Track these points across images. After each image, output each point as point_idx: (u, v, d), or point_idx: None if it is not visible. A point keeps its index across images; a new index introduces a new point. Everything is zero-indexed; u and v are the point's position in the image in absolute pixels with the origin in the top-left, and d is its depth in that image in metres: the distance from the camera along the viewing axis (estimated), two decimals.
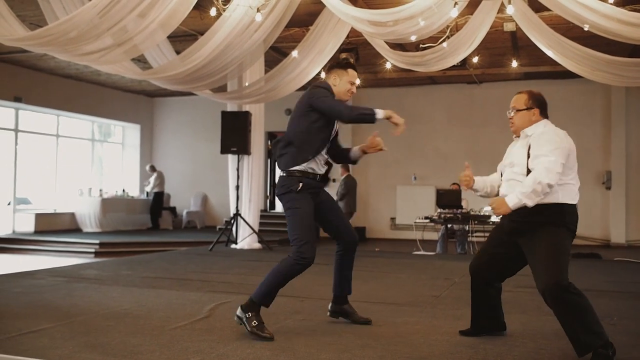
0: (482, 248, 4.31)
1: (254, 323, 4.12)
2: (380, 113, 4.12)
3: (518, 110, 4.11)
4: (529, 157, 3.90)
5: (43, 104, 14.73)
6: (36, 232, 14.22)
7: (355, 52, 11.24)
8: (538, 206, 3.75)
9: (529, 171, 3.85)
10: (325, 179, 4.57)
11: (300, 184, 4.26)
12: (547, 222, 3.79)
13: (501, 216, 4.05)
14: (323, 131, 4.32)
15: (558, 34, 8.47)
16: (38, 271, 7.53)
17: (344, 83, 4.41)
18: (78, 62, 8.56)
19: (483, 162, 15.38)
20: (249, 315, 4.16)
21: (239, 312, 4.24)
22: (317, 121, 4.29)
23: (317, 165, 4.36)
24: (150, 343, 3.98)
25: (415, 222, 11.46)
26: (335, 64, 4.53)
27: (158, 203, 16.54)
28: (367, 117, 4.16)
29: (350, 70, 4.45)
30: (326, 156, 4.47)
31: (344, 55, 11.10)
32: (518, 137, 4.18)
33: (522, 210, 3.77)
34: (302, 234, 4.17)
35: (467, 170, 4.38)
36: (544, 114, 4.11)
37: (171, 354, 3.74)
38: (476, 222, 10.86)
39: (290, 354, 3.76)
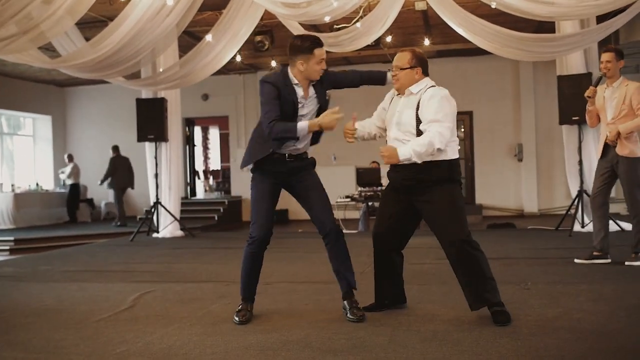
0: (380, 214, 4.32)
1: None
2: (303, 129, 4.02)
3: (402, 69, 4.14)
4: (417, 117, 4.00)
5: None
6: None
7: (270, 35, 11.22)
8: (429, 163, 3.93)
9: (418, 132, 3.97)
10: (300, 157, 4.24)
11: (252, 165, 4.21)
12: (441, 179, 3.98)
13: (392, 178, 4.20)
14: (290, 116, 4.11)
15: (467, 12, 8.68)
16: None
17: (312, 65, 4.08)
18: None
19: None
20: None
21: None
22: None
23: (284, 146, 4.16)
24: (73, 337, 3.91)
25: (336, 202, 11.58)
26: (297, 49, 4.08)
27: (74, 195, 16.05)
28: (287, 140, 4.11)
29: (317, 50, 4.07)
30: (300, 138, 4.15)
31: (258, 38, 11.07)
32: (400, 94, 4.24)
33: (415, 168, 3.93)
34: (252, 214, 4.21)
35: (354, 122, 4.28)
36: (426, 73, 4.19)
37: (96, 346, 3.69)
38: None
39: (218, 337, 3.77)
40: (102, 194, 17.27)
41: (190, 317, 4.36)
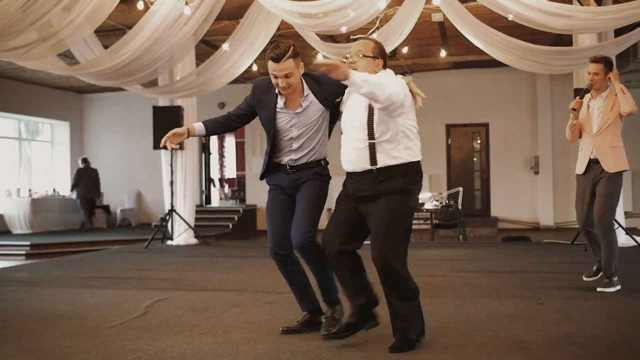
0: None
1: None
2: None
3: (365, 56, 3.73)
4: (369, 110, 3.60)
5: None
6: None
7: None
8: (386, 171, 3.57)
9: (370, 130, 3.59)
10: (302, 168, 3.98)
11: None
12: (392, 190, 3.57)
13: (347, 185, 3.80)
14: (266, 125, 3.99)
15: (484, 24, 8.68)
16: None
17: (271, 76, 3.81)
18: (1, 58, 8.29)
19: None
20: None
21: None
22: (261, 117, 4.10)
23: (280, 155, 4.01)
24: (85, 343, 3.92)
25: None
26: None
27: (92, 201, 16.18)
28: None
29: (270, 63, 3.74)
30: (295, 145, 3.95)
31: None
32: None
33: (372, 180, 3.60)
34: (268, 230, 4.09)
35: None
36: (385, 65, 3.86)
37: (107, 353, 3.70)
38: None
39: (229, 347, 3.77)
40: (118, 200, 17.39)
41: (202, 326, 4.36)
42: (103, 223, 16.60)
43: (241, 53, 9.47)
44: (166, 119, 10.67)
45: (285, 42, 3.78)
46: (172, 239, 10.75)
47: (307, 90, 3.92)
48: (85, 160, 15.41)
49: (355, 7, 7.96)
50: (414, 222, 10.73)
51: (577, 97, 5.68)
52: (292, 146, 3.97)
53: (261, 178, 4.16)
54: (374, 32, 9.36)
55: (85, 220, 15.20)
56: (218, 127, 4.13)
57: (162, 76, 10.59)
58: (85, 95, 17.97)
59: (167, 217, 10.81)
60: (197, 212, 11.84)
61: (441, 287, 5.82)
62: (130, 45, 8.42)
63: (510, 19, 7.94)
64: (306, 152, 3.99)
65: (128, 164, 17.44)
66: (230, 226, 15.06)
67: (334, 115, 4.03)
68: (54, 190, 16.17)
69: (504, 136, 15.33)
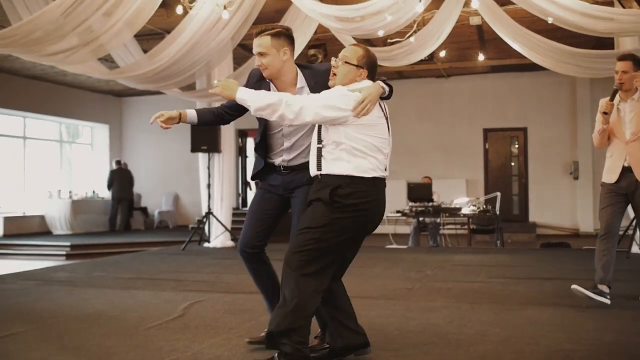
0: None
1: None
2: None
3: (347, 63, 3.45)
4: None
5: (9, 105, 14.52)
6: (5, 236, 14.03)
7: (323, 48, 11.28)
8: (322, 181, 3.37)
9: (319, 134, 3.42)
10: (296, 170, 3.71)
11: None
12: (319, 198, 3.35)
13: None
14: (259, 122, 3.75)
15: (523, 27, 8.59)
16: (8, 275, 7.43)
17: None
18: (43, 62, 8.47)
19: (453, 154, 15.60)
20: None
21: None
22: None
23: (272, 155, 3.79)
24: (124, 344, 3.97)
25: (387, 216, 11.52)
26: None
27: (129, 203, 16.41)
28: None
29: (254, 40, 3.59)
30: (287, 143, 3.71)
31: (312, 52, 11.14)
32: None
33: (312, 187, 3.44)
34: None
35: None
36: (371, 78, 3.51)
37: (146, 353, 3.74)
38: (447, 214, 10.96)
39: (265, 350, 3.77)
40: (155, 203, 17.59)
41: (239, 328, 4.38)
42: (141, 225, 16.82)
43: None
44: None
45: (276, 24, 3.65)
46: (209, 241, 10.83)
47: (301, 82, 3.65)
48: (118, 162, 15.96)
49: (393, 11, 7.94)
50: (455, 227, 10.46)
51: (608, 99, 5.13)
52: (283, 144, 3.71)
53: (252, 178, 3.93)
54: (411, 35, 9.33)
55: (111, 221, 15.72)
56: (210, 116, 3.88)
57: (200, 80, 10.70)
58: (125, 98, 18.23)
59: (204, 220, 10.90)
60: (233, 214, 11.90)
61: (479, 293, 5.76)
62: (169, 50, 8.52)
63: (549, 22, 7.84)
64: (300, 152, 3.70)
65: (166, 167, 17.63)
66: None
67: None
68: (93, 192, 16.44)
69: (543, 141, 15.12)
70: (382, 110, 3.47)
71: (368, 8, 7.90)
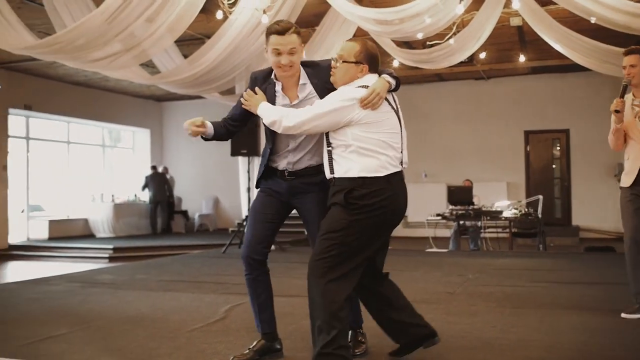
0: None
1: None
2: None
3: (345, 62, 3.39)
4: None
5: (53, 111, 14.82)
6: (50, 239, 14.32)
7: None
8: (336, 185, 3.34)
9: (327, 136, 3.39)
10: (302, 175, 3.64)
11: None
12: (335, 202, 3.33)
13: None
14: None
15: (565, 27, 8.46)
16: (53, 277, 7.58)
17: (270, 55, 3.47)
18: (87, 68, 8.62)
19: (493, 156, 15.43)
20: None
21: None
22: None
23: (277, 159, 3.70)
24: (167, 346, 4.01)
25: (427, 220, 11.46)
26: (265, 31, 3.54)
27: (170, 206, 16.62)
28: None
29: (272, 37, 3.43)
30: (293, 144, 3.63)
31: None
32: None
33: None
34: None
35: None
36: (373, 71, 3.42)
37: (188, 356, 3.77)
38: (488, 218, 10.84)
39: (307, 353, 3.77)
40: (196, 206, 17.77)
41: (280, 332, 4.37)
42: (181, 228, 17.00)
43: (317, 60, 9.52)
44: None
45: (287, 20, 3.60)
46: None
47: (304, 79, 3.57)
48: (153, 167, 16.39)
49: (432, 13, 7.90)
50: (496, 231, 10.34)
51: (618, 98, 4.82)
52: (289, 145, 3.62)
53: (257, 186, 3.83)
54: (450, 37, 9.26)
55: (152, 222, 16.23)
56: (221, 130, 3.79)
57: (240, 84, 10.77)
58: (165, 103, 18.45)
59: (244, 223, 10.97)
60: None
61: (522, 298, 5.68)
62: (209, 54, 8.61)
63: (593, 21, 7.70)
64: (305, 153, 3.62)
65: (206, 170, 17.79)
66: (306, 232, 15.12)
67: None
68: (135, 195, 16.68)
69: (586, 142, 14.85)
70: (391, 104, 3.40)
71: (407, 10, 7.87)
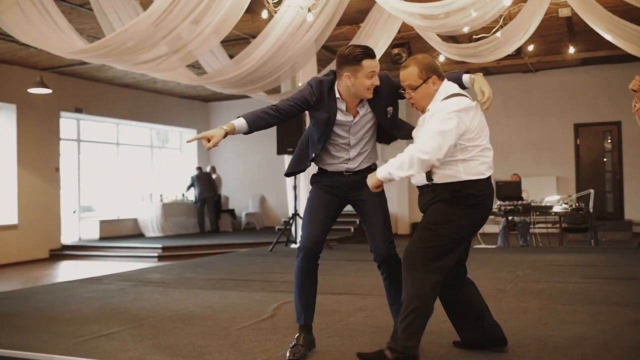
0: None
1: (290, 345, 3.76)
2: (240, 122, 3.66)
3: (415, 89, 3.48)
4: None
5: (102, 113, 15.10)
6: (101, 239, 14.61)
7: (407, 47, 11.18)
8: (441, 187, 3.42)
9: None
10: (360, 172, 3.76)
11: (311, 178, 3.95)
12: (440, 199, 3.43)
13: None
14: (321, 127, 3.72)
15: (616, 17, 8.24)
16: (105, 276, 7.73)
17: (361, 79, 3.54)
18: (135, 71, 8.76)
19: (542, 150, 15.17)
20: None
21: None
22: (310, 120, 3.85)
23: (334, 164, 3.81)
24: (217, 344, 4.05)
25: None
26: (344, 59, 3.58)
27: (217, 205, 16.79)
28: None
29: (366, 62, 3.52)
30: (353, 153, 3.77)
31: (396, 51, 11.06)
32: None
33: (429, 195, 3.49)
34: (302, 226, 3.85)
35: None
36: (442, 77, 3.52)
37: (238, 354, 3.80)
38: (538, 213, 10.66)
39: (355, 350, 3.76)
40: (242, 205, 17.91)
41: (329, 329, 4.39)
42: (229, 227, 17.15)
43: None
44: (289, 125, 10.84)
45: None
46: (295, 242, 10.91)
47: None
48: (199, 169, 16.61)
49: (478, 7, 7.78)
50: (545, 226, 10.19)
51: (637, 76, 4.38)
52: (349, 154, 3.76)
53: (312, 182, 3.91)
54: (497, 30, 9.13)
55: (199, 220, 16.42)
56: (261, 122, 3.71)
57: (285, 83, 10.81)
58: (211, 103, 18.63)
59: (291, 221, 11.00)
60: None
61: (575, 294, 5.56)
62: (254, 54, 8.65)
63: None
64: (364, 158, 3.80)
65: (252, 169, 17.91)
66: (352, 229, 15.10)
67: (385, 128, 3.79)
68: (182, 195, 16.88)
69: (638, 135, 14.47)
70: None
71: (453, 4, 7.77)
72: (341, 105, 3.67)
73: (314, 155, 3.82)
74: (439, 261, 3.34)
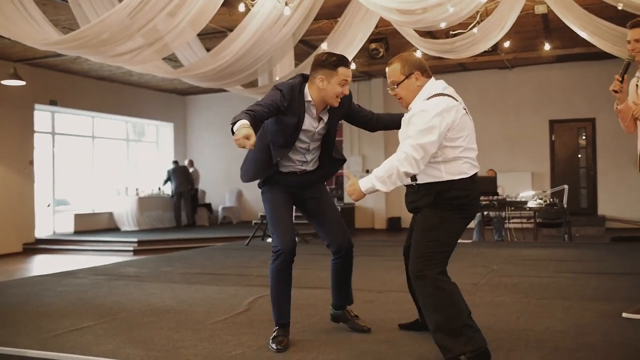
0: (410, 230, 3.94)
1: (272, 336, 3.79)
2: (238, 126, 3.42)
3: (398, 84, 3.54)
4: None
5: (78, 106, 14.95)
6: (75, 233, 14.49)
7: (385, 42, 11.20)
8: (424, 187, 3.45)
9: None
10: (312, 171, 3.94)
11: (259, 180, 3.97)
12: (426, 204, 3.46)
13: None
14: (287, 132, 3.75)
15: (591, 15, 8.33)
16: (79, 270, 7.67)
17: (333, 85, 3.64)
18: (111, 63, 8.67)
19: (517, 146, 15.30)
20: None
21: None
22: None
23: (283, 164, 3.86)
24: (192, 338, 4.03)
25: None
26: (321, 63, 3.66)
27: (194, 199, 16.72)
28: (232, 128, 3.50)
29: (341, 69, 3.64)
30: (309, 156, 3.89)
31: (373, 46, 11.07)
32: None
33: (413, 195, 3.54)
34: (271, 228, 3.86)
35: (350, 180, 3.49)
36: (427, 74, 3.58)
37: (213, 347, 3.79)
38: (512, 208, 10.75)
39: (331, 345, 3.77)
40: (219, 199, 17.85)
41: (303, 323, 4.40)
42: (205, 221, 17.10)
43: (340, 52, 9.41)
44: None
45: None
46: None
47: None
48: (175, 162, 16.56)
49: (455, 2, 7.82)
50: (520, 221, 10.32)
51: (617, 76, 4.47)
52: (305, 157, 3.87)
53: (264, 183, 3.95)
54: (474, 26, 9.17)
55: (176, 215, 16.42)
56: (256, 123, 3.60)
57: (262, 77, 10.76)
58: (188, 96, 18.53)
59: None
60: (296, 210, 11.95)
61: (548, 289, 5.62)
62: (231, 48, 8.60)
63: (620, 8, 7.58)
64: (315, 161, 3.95)
65: (229, 163, 17.79)
66: (318, 224, 15.11)
67: (329, 138, 3.90)
68: (159, 189, 16.80)
69: (612, 131, 14.62)
70: (462, 105, 3.56)
71: (430, 0, 7.80)
72: (312, 109, 3.76)
73: (279, 159, 3.81)
74: (442, 261, 3.43)
